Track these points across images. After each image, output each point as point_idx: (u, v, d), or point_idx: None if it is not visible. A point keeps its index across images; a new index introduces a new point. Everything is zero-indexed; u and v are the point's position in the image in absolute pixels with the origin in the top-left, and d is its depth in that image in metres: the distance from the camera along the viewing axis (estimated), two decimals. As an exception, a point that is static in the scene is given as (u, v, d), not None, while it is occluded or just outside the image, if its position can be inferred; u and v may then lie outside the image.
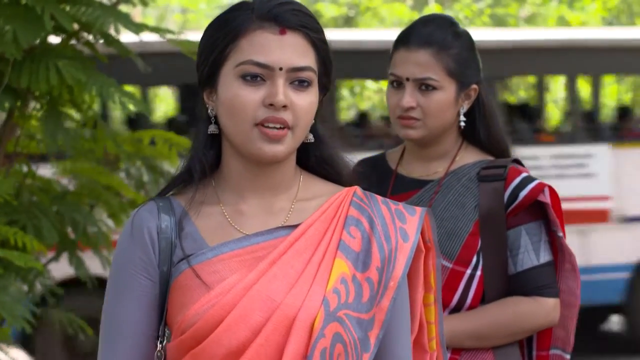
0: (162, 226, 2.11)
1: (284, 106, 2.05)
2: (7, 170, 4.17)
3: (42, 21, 3.74)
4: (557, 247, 3.00)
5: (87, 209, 4.43)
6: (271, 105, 2.04)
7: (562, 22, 14.18)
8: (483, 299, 2.96)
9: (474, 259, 2.93)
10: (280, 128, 2.05)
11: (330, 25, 13.75)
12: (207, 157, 2.14)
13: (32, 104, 4.18)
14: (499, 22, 13.88)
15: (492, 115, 3.07)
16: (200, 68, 2.14)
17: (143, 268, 2.10)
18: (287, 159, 2.11)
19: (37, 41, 3.92)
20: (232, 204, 2.13)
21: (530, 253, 2.96)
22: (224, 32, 2.10)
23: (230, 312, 2.00)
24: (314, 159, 2.18)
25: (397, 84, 3.00)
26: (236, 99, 2.06)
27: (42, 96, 4.07)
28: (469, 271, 2.92)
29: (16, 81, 3.88)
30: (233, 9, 2.13)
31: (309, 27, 2.09)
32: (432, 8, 13.75)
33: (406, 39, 2.99)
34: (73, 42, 4.13)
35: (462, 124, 3.03)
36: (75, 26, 4.02)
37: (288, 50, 2.07)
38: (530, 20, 14.27)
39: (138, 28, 4.01)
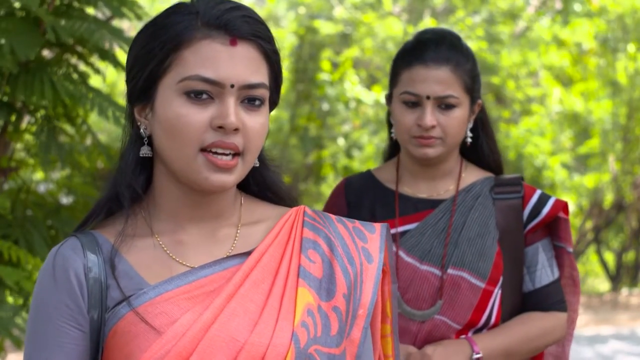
0: (90, 266, 1.82)
1: (236, 129, 1.80)
2: (1, 184, 4.17)
3: (38, 34, 3.74)
4: (559, 262, 2.99)
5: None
6: (220, 127, 1.79)
7: (555, 40, 14.22)
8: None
9: (501, 278, 2.89)
10: (230, 154, 1.81)
11: (327, 42, 13.71)
12: (138, 182, 1.86)
13: (27, 119, 4.18)
14: (491, 38, 13.91)
15: (492, 130, 3.03)
16: (131, 80, 1.85)
17: (70, 317, 1.81)
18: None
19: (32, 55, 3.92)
20: (169, 233, 1.87)
21: (547, 269, 2.95)
22: (162, 41, 1.81)
23: (188, 359, 1.75)
24: (256, 186, 1.95)
25: (412, 102, 2.88)
26: (179, 119, 1.79)
27: (37, 110, 4.07)
28: (496, 290, 2.89)
29: (10, 95, 3.88)
30: (172, 11, 1.84)
31: (262, 36, 1.83)
32: (427, 22, 13.74)
33: (421, 55, 2.87)
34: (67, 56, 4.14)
35: (469, 139, 2.96)
36: (70, 40, 4.03)
37: (240, 64, 1.80)
38: (522, 36, 14.31)
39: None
